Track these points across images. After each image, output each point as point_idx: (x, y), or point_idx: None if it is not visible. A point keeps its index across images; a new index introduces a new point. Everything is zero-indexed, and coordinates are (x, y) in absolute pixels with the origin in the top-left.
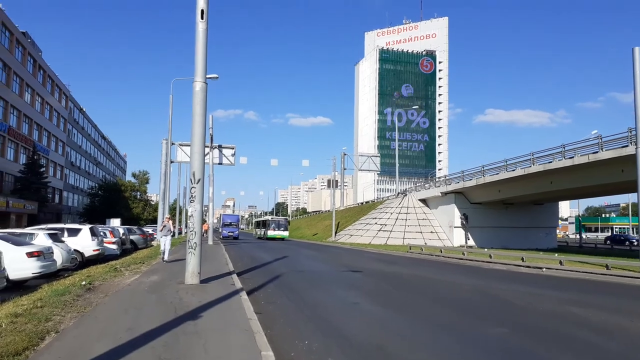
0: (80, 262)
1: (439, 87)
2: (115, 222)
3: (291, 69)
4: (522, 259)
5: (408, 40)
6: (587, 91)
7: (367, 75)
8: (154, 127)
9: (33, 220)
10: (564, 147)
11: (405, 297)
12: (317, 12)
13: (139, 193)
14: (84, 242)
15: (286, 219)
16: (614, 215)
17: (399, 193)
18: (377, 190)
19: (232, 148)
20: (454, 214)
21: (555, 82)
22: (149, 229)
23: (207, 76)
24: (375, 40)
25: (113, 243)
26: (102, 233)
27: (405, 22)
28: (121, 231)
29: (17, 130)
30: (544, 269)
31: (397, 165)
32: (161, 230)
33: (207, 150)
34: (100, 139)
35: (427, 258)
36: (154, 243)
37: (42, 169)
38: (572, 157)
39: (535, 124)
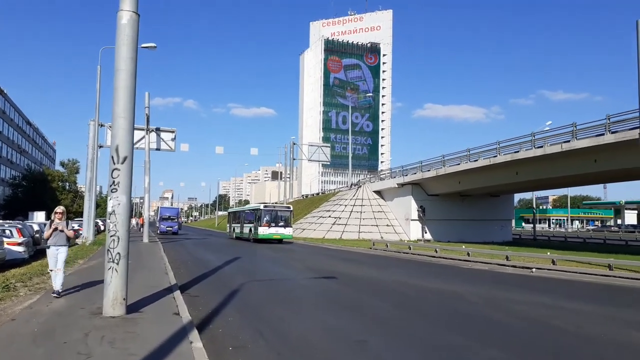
0: None
1: (383, 79)
2: (40, 216)
3: (233, 57)
4: (507, 258)
5: (353, 31)
6: (519, 88)
7: (312, 66)
8: (88, 114)
9: None
10: (533, 136)
11: (424, 327)
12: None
13: (68, 184)
14: None
15: (289, 207)
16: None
17: (352, 184)
18: (322, 182)
19: (172, 132)
20: (411, 206)
21: (491, 78)
22: (75, 224)
23: (144, 45)
24: (321, 31)
25: (19, 244)
26: (1, 231)
27: (351, 13)
28: (35, 228)
29: None
30: (534, 270)
31: (350, 154)
32: (49, 237)
33: (142, 133)
34: (25, 125)
35: (395, 256)
36: (78, 241)
37: None
38: (542, 147)
39: (471, 119)
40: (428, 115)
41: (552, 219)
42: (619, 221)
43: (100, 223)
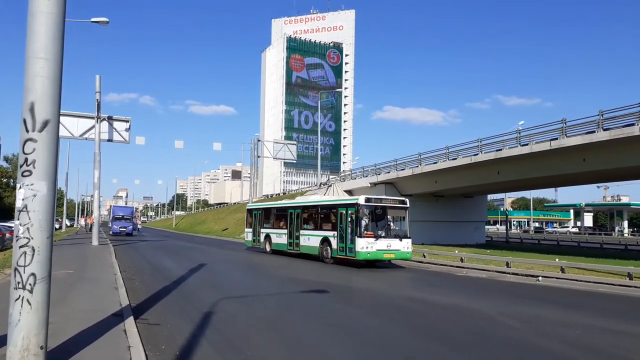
0: None
1: (345, 80)
2: None
3: (193, 52)
4: (507, 264)
5: (315, 30)
6: (475, 92)
7: (274, 64)
8: None
9: None
10: (518, 133)
11: None
12: None
13: (12, 180)
14: None
15: (403, 202)
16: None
17: (321, 184)
18: (284, 182)
19: (127, 121)
20: None
21: (448, 82)
22: (12, 224)
23: (94, 19)
24: (283, 28)
25: None
26: None
27: (313, 12)
28: None
29: None
30: (540, 278)
31: (319, 152)
32: None
33: (92, 122)
34: None
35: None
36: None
37: None
38: (528, 145)
39: (429, 122)
40: (387, 117)
41: (514, 221)
42: (579, 223)
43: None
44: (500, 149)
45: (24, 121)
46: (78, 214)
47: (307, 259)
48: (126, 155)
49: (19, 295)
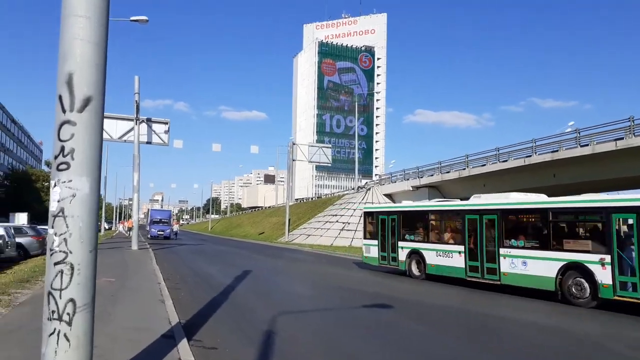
0: None
1: (377, 83)
2: (22, 218)
3: (226, 59)
4: None
5: (347, 34)
6: (509, 95)
7: (305, 69)
8: None
9: None
10: (578, 133)
11: None
12: (255, 2)
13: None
14: None
15: None
16: None
17: (359, 187)
18: (316, 186)
19: (166, 123)
20: None
21: (482, 85)
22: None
23: (133, 18)
24: (314, 33)
25: None
26: None
27: (345, 16)
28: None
29: None
30: None
31: (356, 155)
32: None
33: (131, 124)
34: (9, 123)
35: None
36: None
37: None
38: (589, 145)
39: (462, 126)
40: (419, 120)
41: None
42: None
43: None
44: (557, 150)
45: (60, 98)
46: (116, 218)
47: (507, 292)
48: (161, 160)
49: (54, 329)
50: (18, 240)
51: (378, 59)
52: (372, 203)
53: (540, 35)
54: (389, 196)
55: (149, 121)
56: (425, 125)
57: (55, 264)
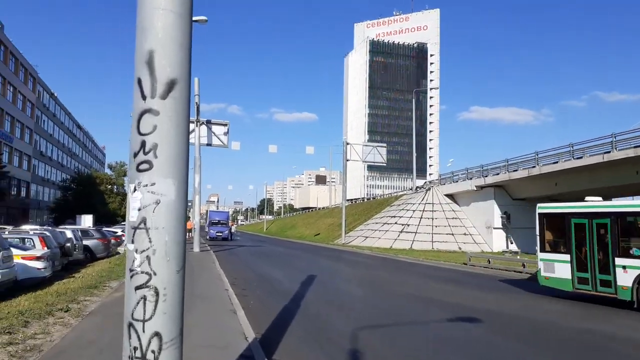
0: None
1: (431, 80)
2: (87, 220)
3: (277, 61)
4: None
5: (399, 32)
6: (570, 89)
7: (356, 68)
8: None
9: None
10: None
11: None
12: (304, 3)
13: (116, 186)
14: None
15: None
16: None
17: (417, 187)
18: (367, 187)
19: (225, 125)
20: (493, 212)
21: (540, 79)
22: (117, 229)
23: (195, 18)
24: (365, 32)
25: (38, 258)
26: (20, 241)
27: (396, 14)
28: (68, 235)
29: None
30: None
31: (414, 154)
32: None
33: (191, 125)
34: (75, 128)
35: (509, 276)
36: (120, 249)
37: None
38: None
39: (520, 122)
40: (474, 118)
41: None
42: None
43: None
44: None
45: (139, 82)
46: None
47: None
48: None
49: None
50: (85, 242)
51: (431, 55)
52: (433, 204)
53: (604, 23)
54: (451, 196)
55: (208, 123)
56: (481, 122)
57: (137, 288)
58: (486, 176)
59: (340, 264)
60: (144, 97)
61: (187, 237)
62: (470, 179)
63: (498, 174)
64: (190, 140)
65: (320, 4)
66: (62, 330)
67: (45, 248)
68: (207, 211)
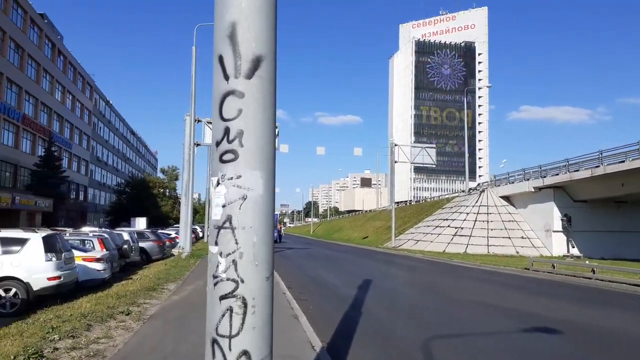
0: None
1: (479, 80)
2: (141, 222)
3: (321, 65)
4: None
5: (445, 31)
6: (628, 86)
7: (402, 69)
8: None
9: (49, 219)
10: None
11: None
12: (348, 6)
13: (168, 190)
14: (30, 263)
15: None
16: None
17: (470, 189)
18: (414, 189)
19: (276, 127)
20: (553, 214)
21: (595, 77)
22: (171, 232)
23: None
24: (411, 32)
25: (97, 260)
26: (80, 243)
27: (442, 13)
28: (125, 237)
29: (33, 120)
30: None
31: (466, 155)
32: None
33: None
34: (129, 134)
35: (576, 282)
36: (174, 251)
37: (59, 162)
38: None
39: (573, 121)
40: (525, 117)
41: None
42: None
43: (198, 229)
44: None
45: (220, 60)
46: None
47: None
48: None
49: None
50: (141, 244)
51: (479, 54)
52: (487, 206)
53: None
54: (507, 198)
55: None
56: (532, 122)
57: (222, 298)
58: (545, 177)
59: (394, 268)
60: (226, 77)
61: None
62: (528, 179)
63: (557, 174)
64: None
65: (364, 6)
66: (125, 335)
67: (104, 250)
68: None
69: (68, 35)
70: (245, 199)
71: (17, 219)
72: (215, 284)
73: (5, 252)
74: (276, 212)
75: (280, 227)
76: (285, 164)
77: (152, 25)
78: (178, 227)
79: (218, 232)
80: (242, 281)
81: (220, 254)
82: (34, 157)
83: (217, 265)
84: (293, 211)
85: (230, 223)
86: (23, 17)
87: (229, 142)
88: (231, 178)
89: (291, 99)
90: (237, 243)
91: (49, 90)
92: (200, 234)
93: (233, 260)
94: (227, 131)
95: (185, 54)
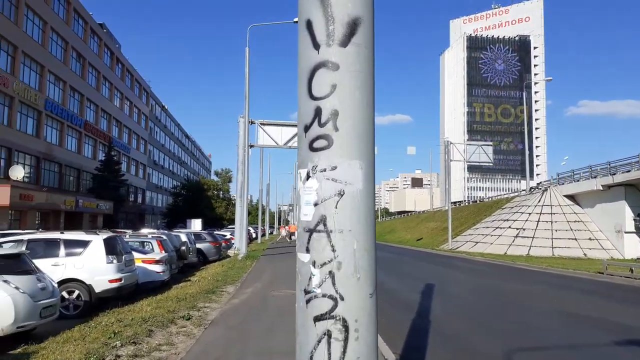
0: (77, 306)
1: (535, 74)
2: (197, 224)
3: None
4: None
5: (498, 25)
6: None
7: (453, 65)
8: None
9: (110, 221)
10: None
11: None
12: (396, 5)
13: (221, 192)
14: (92, 265)
15: None
16: None
17: (532, 188)
18: (468, 189)
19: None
20: (625, 214)
21: None
22: (226, 233)
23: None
24: (462, 28)
25: (157, 262)
26: (139, 244)
27: (494, 7)
28: (183, 238)
29: (94, 126)
30: None
31: (526, 152)
32: None
33: (295, 130)
34: (184, 138)
35: None
36: (230, 252)
37: (118, 166)
38: None
39: (638, 116)
40: (584, 112)
41: None
42: None
43: (252, 231)
44: None
45: (308, 25)
46: (276, 223)
47: None
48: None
49: None
50: (198, 246)
51: (535, 48)
52: (551, 206)
53: None
54: (571, 197)
55: None
56: (593, 117)
57: (317, 319)
58: (614, 174)
59: (455, 272)
60: (316, 46)
61: (289, 240)
62: (595, 177)
63: (629, 170)
64: (294, 145)
65: (412, 3)
66: (186, 342)
67: (163, 251)
68: None
69: (125, 43)
70: (342, 195)
71: (81, 221)
72: (307, 301)
73: (68, 254)
74: None
75: None
76: None
77: (205, 27)
78: (232, 228)
79: (310, 237)
80: (342, 298)
81: (314, 264)
82: (95, 161)
83: (310, 278)
84: None
85: (325, 225)
86: (84, 28)
87: (321, 125)
88: (324, 170)
89: None
90: (334, 250)
91: (108, 97)
92: (254, 235)
93: (330, 272)
94: (318, 112)
95: (238, 55)
